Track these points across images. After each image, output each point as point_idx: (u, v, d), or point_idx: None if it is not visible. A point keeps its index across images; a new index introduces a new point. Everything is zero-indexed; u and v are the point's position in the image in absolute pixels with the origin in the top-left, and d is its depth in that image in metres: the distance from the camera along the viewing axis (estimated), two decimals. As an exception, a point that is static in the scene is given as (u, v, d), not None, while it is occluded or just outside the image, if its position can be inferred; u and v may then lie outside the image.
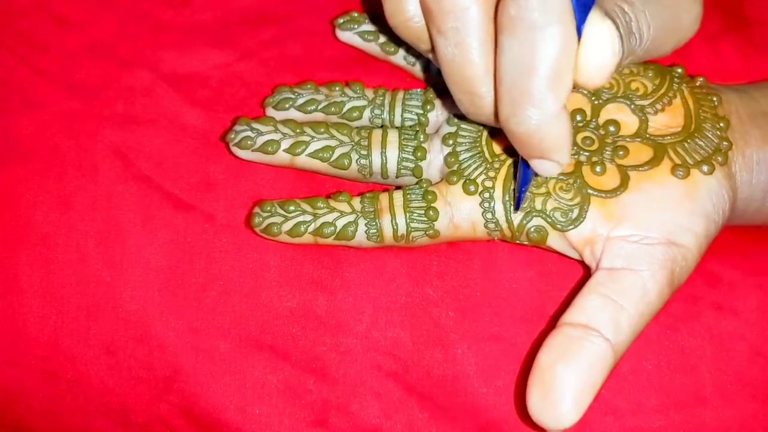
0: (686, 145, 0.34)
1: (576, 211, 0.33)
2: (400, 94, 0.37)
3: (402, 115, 0.36)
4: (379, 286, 0.36)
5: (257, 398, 0.36)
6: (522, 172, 0.31)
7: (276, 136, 0.35)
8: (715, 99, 0.35)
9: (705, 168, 0.33)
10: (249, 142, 0.35)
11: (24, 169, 0.38)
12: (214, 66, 0.39)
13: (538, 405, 0.28)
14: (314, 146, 0.35)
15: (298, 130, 0.35)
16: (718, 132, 0.34)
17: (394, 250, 0.37)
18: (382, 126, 0.37)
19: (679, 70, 0.36)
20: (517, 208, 0.32)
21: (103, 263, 0.37)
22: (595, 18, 0.27)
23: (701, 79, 0.36)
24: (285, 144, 0.35)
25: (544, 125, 0.27)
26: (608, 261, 0.32)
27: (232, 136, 0.36)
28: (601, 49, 0.27)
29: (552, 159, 0.29)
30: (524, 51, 0.26)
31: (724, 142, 0.34)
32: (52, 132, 0.38)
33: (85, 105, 0.38)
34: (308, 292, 0.36)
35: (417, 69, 0.38)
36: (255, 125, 0.36)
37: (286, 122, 0.36)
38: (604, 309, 0.30)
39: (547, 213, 0.33)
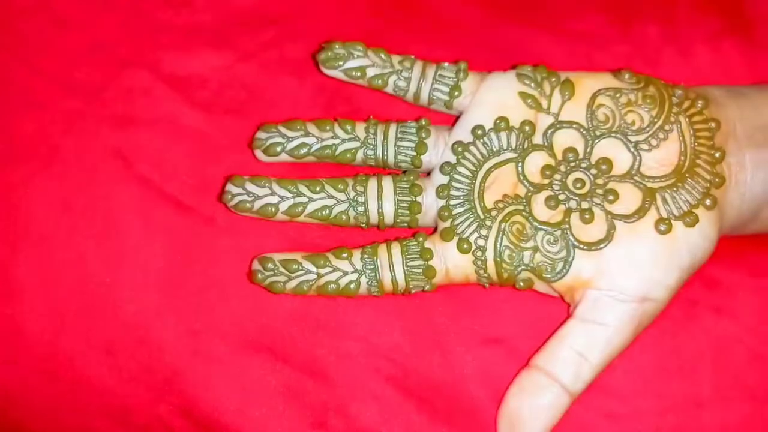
0: (675, 191, 0.34)
1: (560, 265, 0.34)
2: (392, 131, 0.36)
3: (395, 158, 0.36)
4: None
5: (256, 400, 0.36)
6: None
7: (273, 200, 0.35)
8: (713, 125, 0.35)
9: (688, 220, 0.34)
10: (247, 205, 0.35)
11: (23, 169, 0.38)
12: (214, 67, 0.39)
13: None
14: (312, 207, 0.35)
15: (294, 191, 0.35)
16: (711, 168, 0.34)
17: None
18: (376, 172, 0.36)
19: (679, 92, 0.35)
20: None
21: (103, 264, 0.37)
22: None
23: (701, 101, 0.35)
24: (283, 206, 0.35)
25: None
26: (581, 311, 0.34)
27: (228, 197, 0.35)
28: None
29: None
30: None
31: (717, 179, 0.34)
32: (52, 132, 0.38)
33: (84, 105, 0.38)
34: (307, 294, 0.36)
35: (410, 96, 0.37)
36: (250, 187, 0.35)
37: (281, 182, 0.35)
38: (568, 361, 0.34)
39: (535, 267, 0.34)
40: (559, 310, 0.35)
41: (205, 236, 0.37)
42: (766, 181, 0.35)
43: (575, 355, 0.33)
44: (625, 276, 0.33)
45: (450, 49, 0.39)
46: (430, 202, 0.35)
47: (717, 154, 0.34)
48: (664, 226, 0.33)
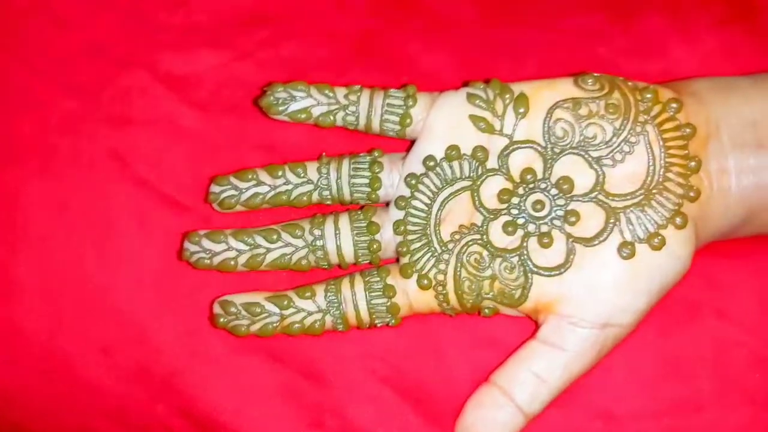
0: (641, 210, 0.32)
1: (519, 292, 0.33)
2: (345, 168, 0.35)
3: (351, 196, 0.35)
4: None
5: (254, 400, 0.36)
6: None
7: (231, 254, 0.35)
8: (687, 131, 0.32)
9: (655, 242, 0.32)
10: (207, 262, 0.35)
11: (21, 169, 0.38)
12: (211, 67, 0.39)
13: None
14: (271, 256, 0.35)
15: (251, 243, 0.35)
16: (684, 180, 0.32)
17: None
18: (331, 210, 0.36)
19: (648, 96, 0.33)
20: None
21: (101, 264, 0.37)
22: None
23: (674, 104, 0.33)
24: (242, 260, 0.35)
25: None
26: (543, 333, 0.33)
27: (187, 254, 0.35)
28: None
29: None
30: None
31: (691, 192, 0.32)
32: (50, 133, 0.38)
33: (82, 106, 0.38)
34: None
35: (361, 128, 0.36)
36: (206, 244, 0.35)
37: (237, 235, 0.35)
38: (526, 382, 0.33)
39: (495, 295, 0.33)
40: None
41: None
42: (756, 185, 0.33)
43: (533, 377, 0.33)
44: (585, 302, 0.32)
45: (449, 48, 0.39)
46: (388, 238, 0.35)
47: (692, 164, 0.32)
48: (626, 250, 0.32)
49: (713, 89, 0.34)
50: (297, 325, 0.34)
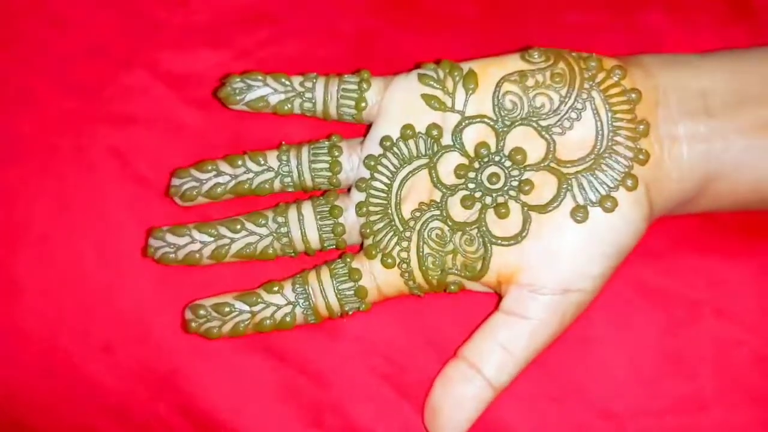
0: (591, 175, 0.32)
1: (480, 263, 0.33)
2: (305, 155, 0.36)
3: (312, 182, 0.36)
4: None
5: (254, 398, 0.36)
6: None
7: (195, 247, 0.35)
8: (633, 96, 0.33)
9: (608, 204, 0.32)
10: (171, 257, 0.35)
11: (22, 168, 0.38)
12: (211, 65, 0.39)
13: (429, 423, 0.34)
14: (236, 246, 0.35)
15: (215, 234, 0.35)
16: (633, 143, 0.32)
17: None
18: (297, 197, 0.36)
19: (593, 63, 0.33)
20: None
21: (101, 262, 0.37)
22: None
23: (618, 71, 0.33)
24: (207, 251, 0.35)
25: None
26: (506, 305, 0.33)
27: (151, 251, 0.35)
28: None
29: None
30: None
31: (640, 155, 0.32)
32: (50, 132, 0.38)
33: (82, 105, 0.39)
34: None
35: (319, 115, 0.36)
36: (170, 238, 0.35)
37: (201, 228, 0.35)
38: (491, 352, 0.33)
39: (458, 269, 0.34)
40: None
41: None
42: (707, 153, 0.33)
43: (499, 348, 0.33)
44: (544, 269, 0.33)
45: (449, 46, 0.39)
46: (352, 221, 0.35)
47: (640, 128, 0.32)
48: (580, 214, 0.32)
49: (660, 61, 0.34)
50: (268, 321, 0.34)
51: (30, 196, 0.38)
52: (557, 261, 0.32)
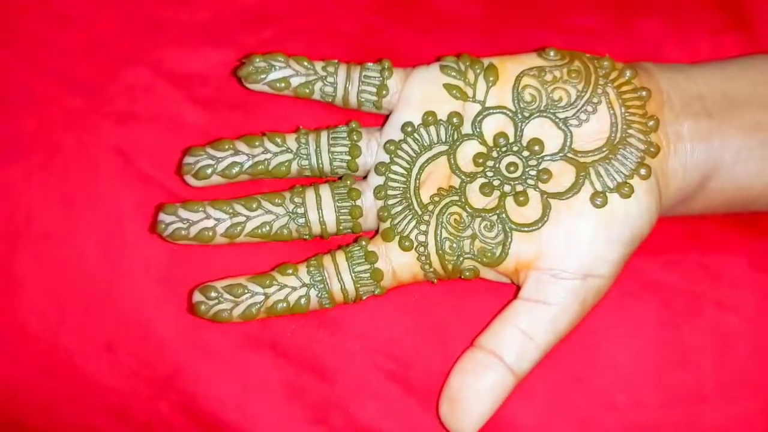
0: (608, 163, 0.34)
1: (499, 249, 0.34)
2: (324, 138, 0.36)
3: (331, 165, 0.36)
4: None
5: (257, 396, 0.36)
6: None
7: (209, 223, 0.34)
8: (644, 93, 0.34)
9: (625, 190, 0.33)
10: (183, 233, 0.34)
11: (25, 166, 0.38)
12: (215, 64, 0.39)
13: (446, 415, 0.33)
14: (251, 225, 0.35)
15: (230, 211, 0.35)
16: (644, 136, 0.34)
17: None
18: (312, 182, 0.36)
19: (606, 63, 0.35)
20: None
21: (103, 261, 0.37)
22: None
23: (629, 72, 0.35)
24: (221, 228, 0.35)
25: None
26: (526, 291, 0.34)
27: (162, 227, 0.35)
28: None
29: None
30: None
31: (651, 148, 0.34)
32: (53, 129, 0.38)
33: (86, 102, 0.39)
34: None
35: (338, 101, 0.37)
36: (183, 213, 0.34)
37: (216, 204, 0.35)
38: (513, 340, 0.33)
39: (475, 254, 0.34)
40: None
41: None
42: (708, 151, 0.34)
43: (520, 334, 0.33)
44: (564, 254, 0.33)
45: (450, 45, 0.39)
46: (369, 205, 0.35)
47: (650, 123, 0.34)
48: (599, 199, 0.33)
49: (659, 67, 0.36)
50: (282, 304, 0.34)
51: (32, 193, 0.37)
52: (577, 245, 0.33)
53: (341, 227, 0.36)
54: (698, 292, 0.36)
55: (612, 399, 0.36)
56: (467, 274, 0.34)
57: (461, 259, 0.34)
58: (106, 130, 0.38)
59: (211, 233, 0.34)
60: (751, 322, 0.36)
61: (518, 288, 0.34)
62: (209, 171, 0.35)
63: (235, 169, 0.35)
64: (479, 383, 0.33)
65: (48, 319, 0.37)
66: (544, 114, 0.35)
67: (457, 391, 0.33)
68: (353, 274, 0.34)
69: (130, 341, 0.36)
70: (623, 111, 0.34)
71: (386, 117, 0.36)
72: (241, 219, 0.35)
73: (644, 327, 0.36)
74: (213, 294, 0.34)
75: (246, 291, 0.34)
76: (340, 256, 0.35)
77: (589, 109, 0.34)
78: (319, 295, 0.34)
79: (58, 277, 0.37)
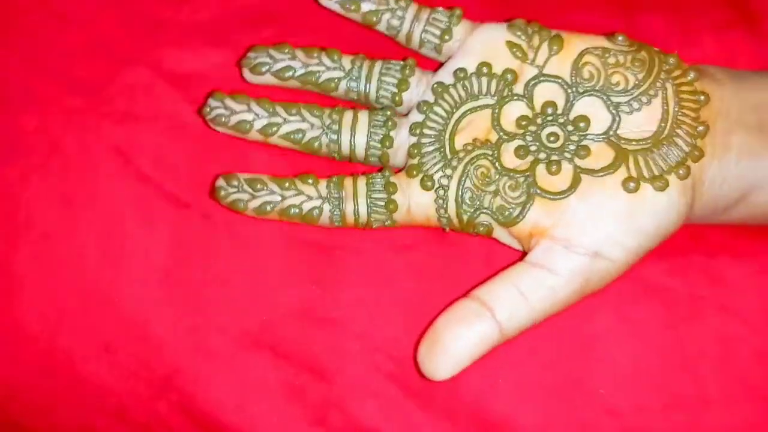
0: (649, 155, 0.33)
1: (518, 210, 0.34)
2: (377, 67, 0.37)
3: (377, 93, 0.37)
4: (378, 285, 0.36)
5: (256, 397, 0.36)
6: None
7: (249, 116, 0.36)
8: (701, 98, 0.34)
9: (658, 184, 0.33)
10: (223, 120, 0.36)
11: (25, 165, 0.38)
12: (214, 64, 0.39)
13: (423, 356, 0.33)
14: (286, 128, 0.36)
15: (270, 110, 0.36)
16: (691, 140, 0.33)
17: (394, 250, 0.37)
18: (354, 107, 0.37)
19: (672, 60, 0.35)
20: None
21: (103, 261, 0.37)
22: None
23: (692, 74, 0.34)
24: (258, 124, 0.36)
25: None
26: (534, 256, 0.33)
27: (207, 110, 0.36)
28: None
29: None
30: None
31: (695, 152, 0.33)
32: (53, 129, 0.38)
33: (85, 102, 0.39)
34: (307, 291, 0.36)
35: (402, 36, 0.37)
36: (229, 103, 0.36)
37: (259, 101, 0.36)
38: (508, 295, 0.33)
39: (493, 211, 0.34)
40: (566, 311, 0.35)
41: (204, 233, 0.37)
42: (754, 167, 0.34)
43: (517, 293, 0.33)
44: (582, 227, 0.33)
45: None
46: (402, 140, 0.36)
47: (700, 128, 0.33)
48: (632, 184, 0.33)
49: (727, 72, 0.36)
50: (295, 210, 0.35)
51: (31, 193, 0.38)
52: (598, 222, 0.33)
53: (369, 153, 0.36)
54: (701, 296, 0.36)
55: (613, 403, 0.35)
56: (481, 229, 0.34)
57: (478, 212, 0.34)
58: (106, 130, 0.38)
59: (248, 126, 0.36)
60: (754, 327, 0.36)
61: (524, 254, 0.34)
62: (264, 69, 0.37)
63: (288, 73, 0.37)
64: (465, 331, 0.32)
65: (47, 319, 0.37)
66: (598, 94, 0.34)
67: (440, 334, 0.33)
68: (369, 200, 0.35)
69: (130, 341, 0.36)
70: (676, 110, 0.34)
71: (440, 64, 0.37)
72: (279, 120, 0.36)
73: (646, 331, 0.36)
74: (234, 182, 0.35)
75: (265, 187, 0.35)
76: (361, 181, 0.35)
77: (644, 99, 0.34)
78: (332, 210, 0.35)
79: (58, 277, 0.37)
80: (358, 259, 0.37)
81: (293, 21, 0.40)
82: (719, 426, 0.35)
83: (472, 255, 0.37)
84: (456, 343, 0.32)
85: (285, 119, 0.36)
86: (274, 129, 0.36)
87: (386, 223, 0.35)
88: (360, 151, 0.36)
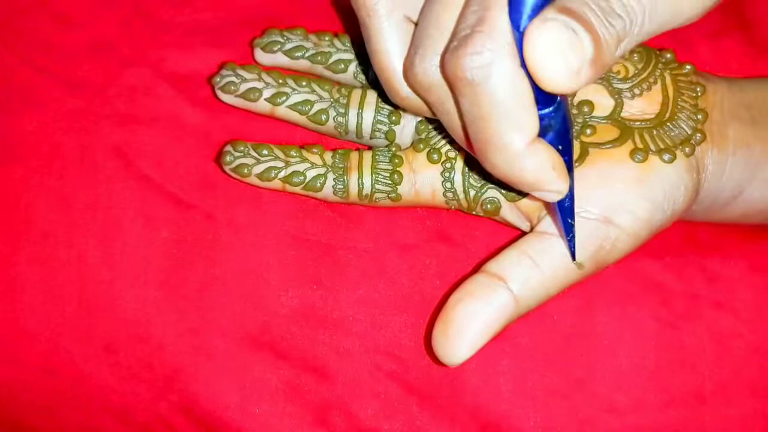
0: (654, 132, 0.34)
1: None
2: None
3: None
4: (378, 285, 0.37)
5: (257, 397, 0.36)
6: (561, 221, 0.32)
7: (259, 85, 0.36)
8: (698, 89, 0.35)
9: (666, 156, 0.33)
10: (233, 87, 0.37)
11: (25, 167, 0.38)
12: (215, 65, 0.39)
13: (438, 338, 0.31)
14: (294, 98, 0.36)
15: (280, 81, 0.37)
16: (692, 123, 0.34)
17: (395, 249, 0.37)
18: (363, 86, 0.37)
19: (668, 55, 0.36)
20: (573, 258, 0.32)
21: (103, 262, 0.37)
22: (535, 25, 0.25)
23: (689, 66, 0.35)
24: (267, 93, 0.36)
25: (515, 166, 0.27)
26: (543, 225, 0.33)
27: (218, 79, 0.37)
28: (550, 58, 0.25)
29: (543, 190, 0.29)
30: (473, 107, 0.27)
31: (698, 135, 0.34)
32: (53, 130, 0.38)
33: (86, 103, 0.38)
34: (308, 291, 0.36)
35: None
36: (240, 72, 0.37)
37: (270, 72, 0.37)
38: (518, 263, 0.32)
39: (500, 184, 0.34)
40: (565, 310, 0.35)
41: (204, 233, 0.37)
42: (747, 159, 0.35)
43: (527, 260, 0.32)
44: (593, 192, 0.33)
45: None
46: (409, 118, 0.36)
47: (699, 116, 0.34)
48: (640, 154, 0.33)
49: (719, 77, 0.37)
50: (299, 177, 0.35)
51: (32, 194, 0.37)
52: (606, 188, 0.33)
53: (376, 129, 0.36)
54: (697, 294, 0.37)
55: (611, 400, 0.36)
56: (488, 206, 0.35)
57: (485, 187, 0.34)
58: (107, 131, 0.38)
59: (257, 94, 0.36)
60: (750, 324, 0.36)
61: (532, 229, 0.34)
62: (276, 48, 0.38)
63: (299, 53, 0.38)
64: (479, 305, 0.31)
65: (48, 319, 0.36)
66: (600, 81, 0.35)
67: (453, 313, 0.31)
68: (374, 171, 0.35)
69: (131, 342, 0.36)
70: (676, 97, 0.35)
71: None
72: (288, 90, 0.36)
73: (643, 329, 0.36)
74: (241, 148, 0.36)
75: (270, 154, 0.35)
76: (367, 153, 0.36)
77: (644, 86, 0.35)
78: (336, 180, 0.35)
79: (59, 278, 0.37)
80: (358, 259, 0.37)
81: (293, 22, 0.40)
82: (717, 422, 0.35)
83: (472, 255, 0.37)
84: (471, 319, 0.31)
85: (294, 89, 0.36)
86: (283, 98, 0.36)
87: (390, 197, 0.35)
88: (366, 127, 0.36)
